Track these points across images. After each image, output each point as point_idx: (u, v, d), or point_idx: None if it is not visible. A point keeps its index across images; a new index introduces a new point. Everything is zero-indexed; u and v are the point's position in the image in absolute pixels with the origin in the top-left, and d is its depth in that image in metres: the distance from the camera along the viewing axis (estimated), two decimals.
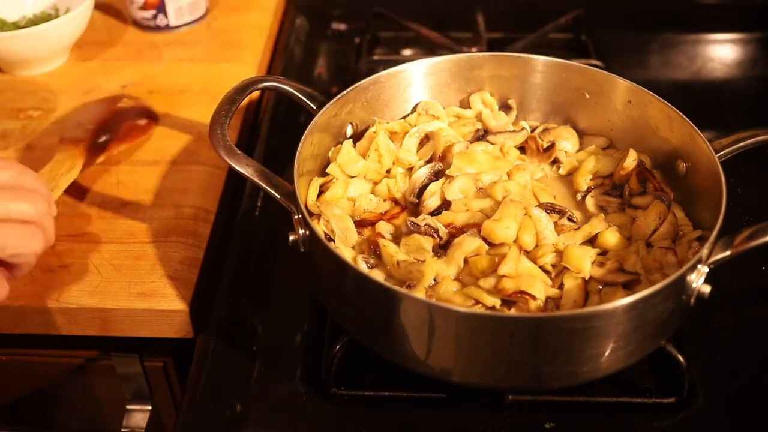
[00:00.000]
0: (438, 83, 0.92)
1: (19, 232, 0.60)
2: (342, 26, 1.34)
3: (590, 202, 0.83)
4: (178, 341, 0.83)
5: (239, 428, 0.72)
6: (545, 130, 0.91)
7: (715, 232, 0.67)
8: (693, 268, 0.66)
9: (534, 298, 0.69)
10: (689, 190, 0.80)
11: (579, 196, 0.84)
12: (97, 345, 0.87)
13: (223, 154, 0.74)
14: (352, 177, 0.84)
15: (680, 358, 0.73)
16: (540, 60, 0.91)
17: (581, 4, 1.27)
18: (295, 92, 0.86)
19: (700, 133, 0.78)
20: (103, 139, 0.98)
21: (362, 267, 0.74)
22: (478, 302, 0.70)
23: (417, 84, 0.91)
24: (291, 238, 0.73)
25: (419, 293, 0.70)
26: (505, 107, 0.94)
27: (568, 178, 0.87)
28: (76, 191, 0.94)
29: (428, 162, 0.86)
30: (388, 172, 0.86)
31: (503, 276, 0.70)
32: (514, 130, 0.90)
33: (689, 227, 0.78)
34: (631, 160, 0.83)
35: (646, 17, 1.31)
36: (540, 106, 0.93)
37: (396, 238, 0.77)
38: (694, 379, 0.74)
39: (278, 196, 0.73)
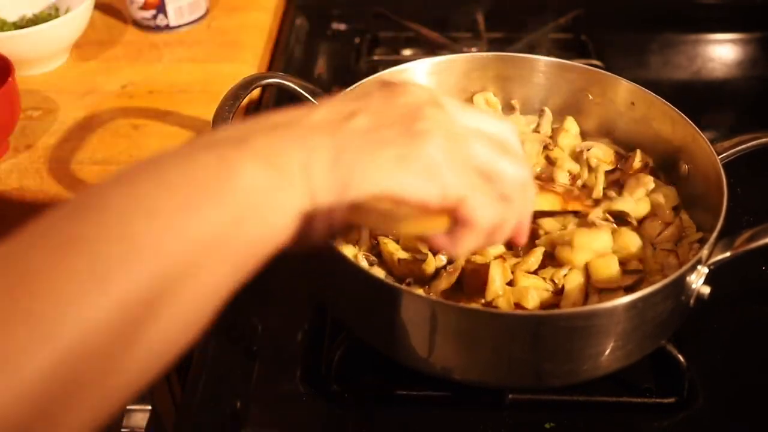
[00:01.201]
0: (441, 83, 0.92)
1: (489, 191, 0.51)
2: (342, 26, 1.34)
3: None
4: None
5: (239, 428, 0.72)
6: None
7: (715, 234, 0.67)
8: (693, 268, 0.66)
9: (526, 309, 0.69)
10: (690, 192, 0.80)
11: None
12: None
13: None
14: None
15: (680, 358, 0.73)
16: (543, 60, 0.91)
17: (581, 4, 1.27)
18: (297, 89, 0.86)
19: (702, 135, 0.78)
20: None
21: (363, 264, 0.74)
22: None
23: (420, 83, 0.91)
24: None
25: (420, 290, 0.71)
26: (508, 108, 0.94)
27: None
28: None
29: None
30: None
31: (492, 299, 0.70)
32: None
33: (692, 228, 0.78)
34: (637, 161, 0.83)
35: (646, 17, 1.31)
36: (542, 106, 0.93)
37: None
38: (694, 379, 0.73)
39: None
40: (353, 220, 0.49)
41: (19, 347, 0.32)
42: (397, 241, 0.75)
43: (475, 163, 0.50)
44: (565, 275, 0.72)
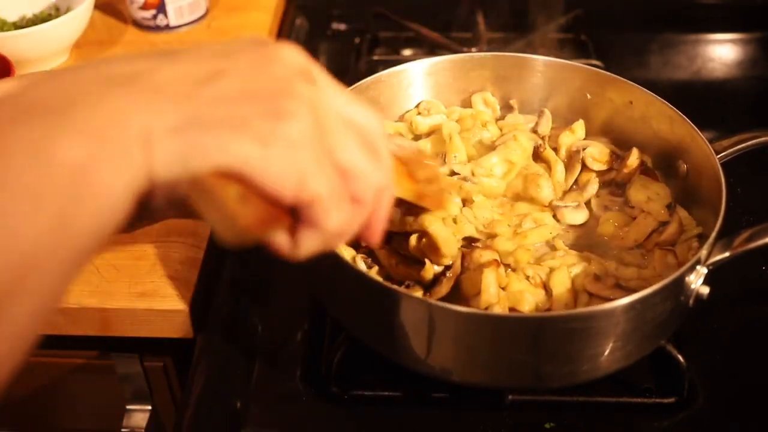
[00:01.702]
0: (439, 83, 0.92)
1: (339, 191, 0.46)
2: (342, 26, 1.34)
3: (595, 203, 0.82)
4: (178, 341, 0.83)
5: (239, 427, 0.72)
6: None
7: (714, 234, 0.67)
8: (692, 269, 0.66)
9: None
10: (690, 191, 0.80)
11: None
12: (97, 345, 0.87)
13: None
14: None
15: (680, 358, 0.73)
16: (541, 60, 0.91)
17: (581, 4, 1.27)
18: None
19: (701, 134, 0.78)
20: None
21: (361, 267, 0.74)
22: None
23: (418, 84, 0.91)
24: None
25: (419, 292, 0.70)
26: (507, 107, 0.94)
27: None
28: None
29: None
30: None
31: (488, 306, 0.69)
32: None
33: (692, 224, 0.78)
34: (634, 158, 0.83)
35: (646, 17, 1.31)
36: (541, 106, 0.93)
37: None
38: (694, 379, 0.74)
39: None
40: (191, 197, 0.43)
41: None
42: (390, 241, 0.75)
43: (337, 158, 0.45)
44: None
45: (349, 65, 1.24)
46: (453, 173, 0.82)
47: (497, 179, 0.82)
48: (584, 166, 0.85)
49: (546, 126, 0.89)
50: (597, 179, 0.84)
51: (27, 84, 0.39)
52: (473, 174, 0.82)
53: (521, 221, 0.79)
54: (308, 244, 0.47)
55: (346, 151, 0.46)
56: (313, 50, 1.29)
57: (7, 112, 0.37)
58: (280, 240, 0.47)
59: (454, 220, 0.77)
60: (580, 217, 0.80)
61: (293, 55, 0.46)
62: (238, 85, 0.43)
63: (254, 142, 0.41)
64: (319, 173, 0.44)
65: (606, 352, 0.66)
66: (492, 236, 0.76)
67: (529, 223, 0.79)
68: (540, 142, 0.86)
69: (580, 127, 0.88)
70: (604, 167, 0.85)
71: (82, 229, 0.37)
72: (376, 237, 0.52)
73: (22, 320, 0.36)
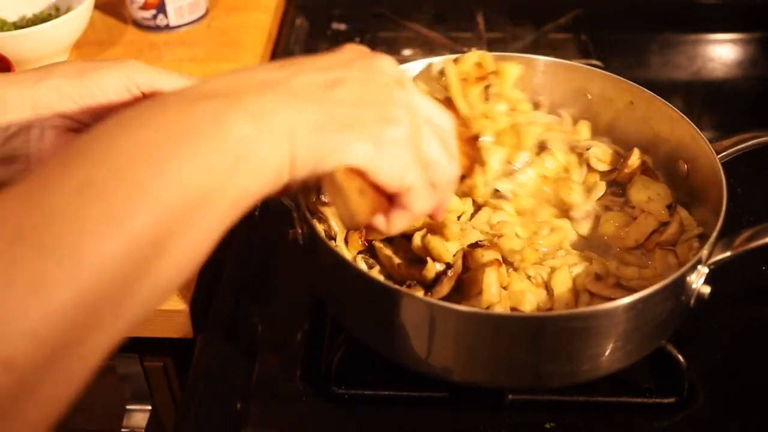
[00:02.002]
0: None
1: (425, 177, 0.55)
2: (342, 26, 1.34)
3: (596, 203, 0.82)
4: (178, 341, 0.83)
5: (239, 428, 0.72)
6: None
7: (715, 233, 0.67)
8: (692, 268, 0.66)
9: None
10: (690, 191, 0.80)
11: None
12: None
13: None
14: None
15: (680, 358, 0.73)
16: (541, 60, 0.91)
17: (581, 4, 1.27)
18: None
19: (702, 134, 0.78)
20: None
21: (362, 266, 0.74)
22: None
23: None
24: (291, 231, 0.73)
25: (420, 292, 0.70)
26: None
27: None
28: None
29: None
30: None
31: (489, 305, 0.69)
32: None
33: (692, 224, 0.78)
34: (635, 158, 0.83)
35: (646, 17, 1.31)
36: (541, 106, 0.93)
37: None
38: (694, 379, 0.74)
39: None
40: (325, 188, 0.54)
41: (48, 276, 0.37)
42: (391, 240, 0.75)
43: (424, 153, 0.54)
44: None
45: None
46: (495, 191, 0.81)
47: (530, 201, 0.82)
48: (588, 167, 0.85)
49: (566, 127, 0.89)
50: (603, 183, 0.83)
51: (194, 83, 0.49)
52: (514, 194, 0.82)
53: (539, 229, 0.78)
54: (400, 224, 0.56)
55: (431, 147, 0.55)
56: (313, 50, 1.28)
57: (190, 95, 0.47)
58: (379, 221, 0.56)
59: (460, 217, 0.77)
60: (585, 227, 0.80)
61: (390, 65, 0.55)
62: (355, 92, 0.51)
63: (371, 142, 0.50)
64: (414, 168, 0.53)
65: (606, 352, 0.66)
66: (498, 236, 0.76)
67: (546, 230, 0.78)
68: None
69: (584, 127, 0.88)
70: (607, 168, 0.85)
71: (239, 189, 0.45)
72: (442, 214, 0.63)
73: (181, 258, 0.44)
